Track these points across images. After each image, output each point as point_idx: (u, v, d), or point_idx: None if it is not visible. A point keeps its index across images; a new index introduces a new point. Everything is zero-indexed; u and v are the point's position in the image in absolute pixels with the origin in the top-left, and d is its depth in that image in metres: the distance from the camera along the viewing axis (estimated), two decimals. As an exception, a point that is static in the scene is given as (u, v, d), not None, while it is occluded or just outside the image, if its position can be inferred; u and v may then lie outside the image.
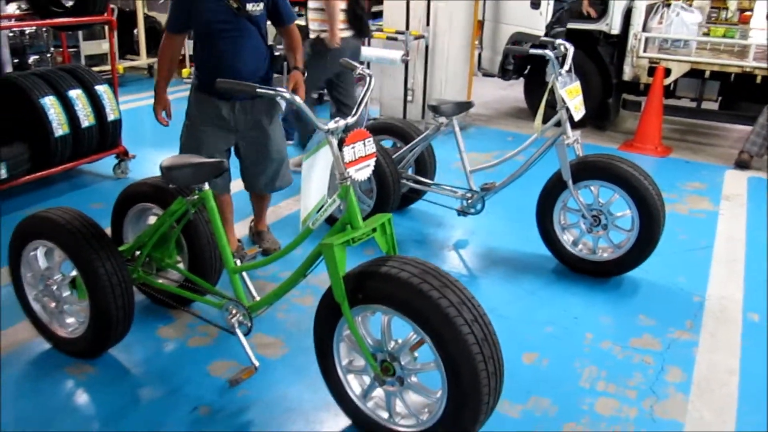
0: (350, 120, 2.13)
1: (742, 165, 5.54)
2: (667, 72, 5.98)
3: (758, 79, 5.75)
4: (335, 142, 2.08)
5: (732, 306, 3.30)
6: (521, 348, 2.84)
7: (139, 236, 2.70)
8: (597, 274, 3.51)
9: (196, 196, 2.49)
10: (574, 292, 3.38)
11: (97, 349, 2.59)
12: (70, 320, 2.65)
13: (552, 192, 3.53)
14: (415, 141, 3.94)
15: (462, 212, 3.88)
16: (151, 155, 5.07)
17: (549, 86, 3.45)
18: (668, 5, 6.30)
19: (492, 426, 2.19)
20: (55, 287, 2.60)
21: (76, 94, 4.19)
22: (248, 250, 2.62)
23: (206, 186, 2.45)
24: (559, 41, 3.59)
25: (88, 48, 7.21)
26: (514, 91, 7.91)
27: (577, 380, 2.67)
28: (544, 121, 3.51)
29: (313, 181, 2.17)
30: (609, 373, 2.72)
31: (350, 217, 2.11)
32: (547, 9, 5.82)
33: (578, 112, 3.43)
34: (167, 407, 2.42)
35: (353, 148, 2.04)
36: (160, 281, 2.76)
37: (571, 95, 3.40)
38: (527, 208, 3.74)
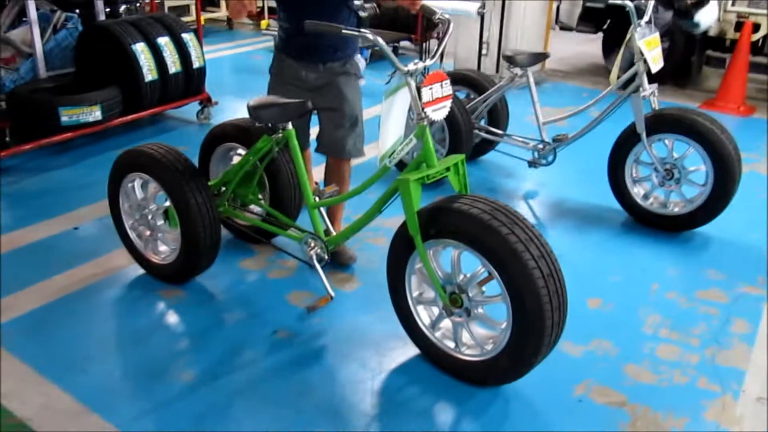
0: (429, 62, 2.22)
1: None
2: (756, 27, 5.72)
3: None
4: (413, 84, 2.18)
5: (806, 265, 3.25)
6: (586, 293, 2.90)
7: (226, 172, 2.89)
8: (667, 228, 3.50)
9: (280, 134, 2.64)
10: (642, 244, 3.40)
11: (186, 275, 2.82)
12: (162, 248, 2.88)
13: (625, 145, 3.52)
14: (489, 92, 3.98)
15: (533, 164, 3.92)
16: (232, 102, 5.30)
17: (627, 37, 3.42)
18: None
19: (553, 363, 2.29)
20: (150, 216, 2.82)
21: (164, 41, 4.41)
22: (326, 188, 2.76)
23: (290, 125, 2.60)
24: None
25: (171, -1, 7.49)
26: (593, 47, 7.72)
27: (640, 326, 2.73)
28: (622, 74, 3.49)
29: (391, 121, 2.27)
30: (673, 321, 2.76)
31: (425, 156, 2.22)
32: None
33: (656, 64, 3.39)
34: (249, 329, 2.63)
35: (431, 89, 2.13)
36: (245, 215, 2.96)
37: (650, 47, 3.35)
38: (598, 162, 3.74)
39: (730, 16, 5.83)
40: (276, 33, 3.07)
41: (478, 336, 2.26)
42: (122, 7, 5.00)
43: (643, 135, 3.37)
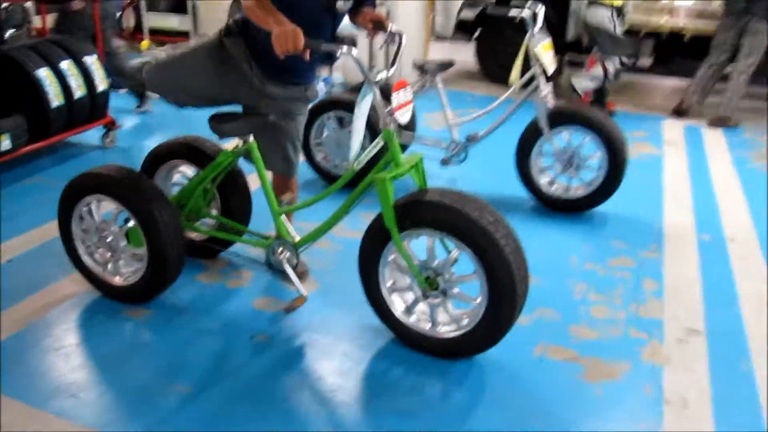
0: (390, 73, 2.46)
1: (680, 113, 6.11)
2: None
3: (686, 38, 6.36)
4: (378, 92, 2.42)
5: (686, 230, 3.85)
6: (520, 271, 3.27)
7: (182, 189, 2.95)
8: (572, 209, 3.97)
9: (240, 147, 2.76)
10: (553, 226, 3.84)
11: (152, 293, 2.84)
12: (124, 269, 2.88)
13: (529, 139, 3.95)
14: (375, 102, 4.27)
15: (446, 162, 4.26)
16: (135, 125, 5.22)
17: (524, 43, 3.86)
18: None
19: (510, 332, 2.59)
20: (110, 238, 2.82)
21: (67, 65, 4.29)
22: (284, 196, 2.91)
23: (251, 138, 2.73)
24: (530, 2, 3.99)
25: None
26: (462, 54, 8.31)
27: (571, 294, 3.13)
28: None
29: (358, 128, 2.50)
30: (596, 287, 3.19)
31: (393, 156, 2.46)
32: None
33: (550, 66, 3.85)
34: (227, 338, 2.72)
35: (398, 95, 2.37)
36: (203, 228, 3.03)
37: (545, 50, 3.81)
38: (503, 157, 4.16)
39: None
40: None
41: (454, 314, 2.53)
42: (8, 32, 4.77)
43: (546, 129, 3.82)
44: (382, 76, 2.42)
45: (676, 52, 6.72)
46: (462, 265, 2.49)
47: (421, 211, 2.39)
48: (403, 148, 4.54)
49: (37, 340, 2.66)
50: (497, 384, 2.49)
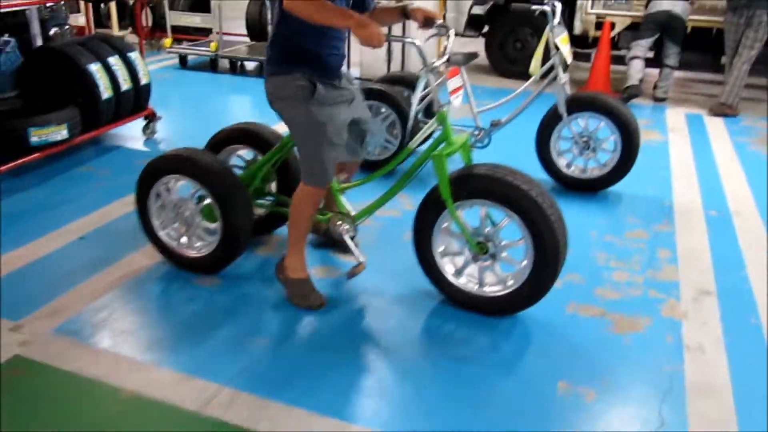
0: (444, 60, 2.77)
1: (720, 113, 6.27)
2: (612, 26, 6.85)
3: (689, 30, 6.71)
4: (433, 78, 2.74)
5: (694, 207, 4.19)
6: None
7: (248, 169, 3.27)
8: (587, 189, 4.31)
9: None
10: (572, 204, 4.16)
11: (223, 264, 3.14)
12: (197, 243, 3.19)
13: (549, 124, 4.28)
14: (430, 87, 4.59)
15: (470, 147, 4.58)
16: (170, 116, 5.51)
17: (544, 36, 4.19)
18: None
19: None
20: (187, 214, 3.14)
21: (114, 60, 4.59)
22: (339, 174, 3.21)
23: None
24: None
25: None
26: (472, 48, 8.63)
27: (595, 262, 3.46)
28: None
29: (414, 110, 2.82)
30: (616, 255, 3.52)
31: (446, 135, 2.78)
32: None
33: (569, 56, 4.18)
34: (293, 300, 3.04)
35: (452, 81, 2.70)
36: (266, 204, 3.34)
37: (564, 42, 4.14)
38: (523, 141, 4.50)
39: (591, 17, 6.92)
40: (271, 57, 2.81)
41: (501, 275, 2.86)
42: (52, 31, 5.05)
43: (565, 115, 4.15)
44: (437, 64, 2.74)
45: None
46: (506, 232, 2.81)
47: (476, 183, 2.71)
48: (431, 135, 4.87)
49: (124, 304, 2.97)
50: (539, 336, 2.82)
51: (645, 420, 2.35)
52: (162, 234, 3.20)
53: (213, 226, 3.08)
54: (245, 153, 3.53)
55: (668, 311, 3.03)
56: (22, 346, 2.64)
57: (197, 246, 3.18)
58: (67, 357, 2.58)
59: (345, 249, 3.18)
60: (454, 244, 2.93)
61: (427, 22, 2.97)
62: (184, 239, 3.19)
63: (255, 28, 8.21)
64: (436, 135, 2.93)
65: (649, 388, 2.51)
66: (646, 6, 6.41)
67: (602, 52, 6.75)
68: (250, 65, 7.91)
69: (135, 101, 4.83)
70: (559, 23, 4.18)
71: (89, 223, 3.73)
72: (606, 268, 3.40)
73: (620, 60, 7.41)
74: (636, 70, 6.44)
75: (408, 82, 4.81)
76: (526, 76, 4.39)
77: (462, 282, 2.93)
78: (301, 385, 2.46)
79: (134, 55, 4.78)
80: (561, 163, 4.35)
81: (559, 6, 4.24)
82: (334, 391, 2.44)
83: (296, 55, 2.72)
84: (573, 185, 4.33)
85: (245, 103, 6.72)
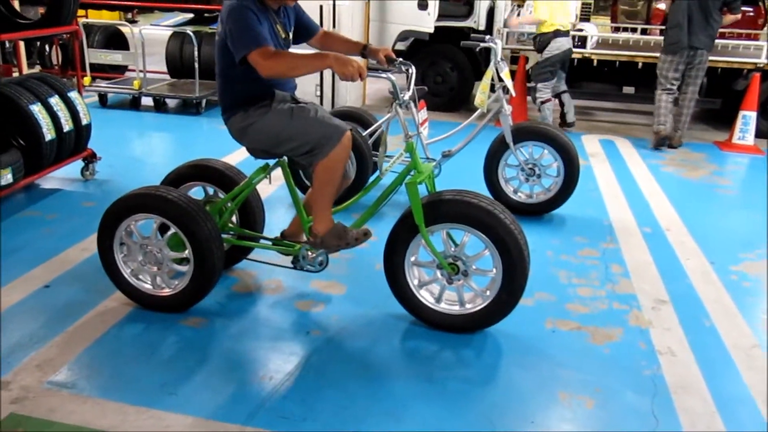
0: (409, 95, 2.94)
1: (661, 143, 6.60)
2: (526, 60, 7.33)
3: (594, 63, 7.30)
4: (402, 111, 2.91)
5: (630, 225, 4.57)
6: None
7: (219, 201, 3.28)
8: (534, 213, 4.60)
9: (273, 165, 3.14)
10: (523, 228, 4.41)
11: (194, 301, 3.12)
12: (171, 280, 3.14)
13: (496, 153, 4.55)
14: (380, 122, 4.76)
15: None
16: (105, 156, 5.34)
17: (489, 70, 4.46)
18: (521, 5, 7.67)
19: (521, 312, 3.09)
20: (155, 251, 3.08)
21: (55, 101, 4.43)
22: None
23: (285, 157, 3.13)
24: (488, 36, 4.61)
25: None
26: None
27: (558, 280, 3.70)
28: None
29: (384, 140, 2.98)
30: (576, 273, 3.79)
31: (415, 164, 2.97)
32: (435, 9, 6.89)
33: (513, 89, 4.48)
34: (289, 335, 3.05)
35: (422, 112, 2.86)
36: (229, 238, 3.35)
37: (508, 77, 4.43)
38: (470, 170, 4.74)
39: (506, 52, 7.37)
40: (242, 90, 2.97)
41: (479, 289, 3.03)
42: (-23, 71, 4.80)
43: (511, 144, 4.43)
44: (405, 97, 2.89)
45: (584, 76, 7.64)
46: (471, 248, 3.00)
47: (446, 208, 2.89)
48: (375, 166, 5.01)
49: (112, 351, 2.87)
50: (528, 352, 2.99)
51: (642, 421, 2.56)
52: (133, 280, 3.14)
53: (184, 254, 3.03)
54: (205, 188, 3.53)
55: (634, 321, 3.30)
56: (15, 403, 2.50)
57: (171, 283, 3.14)
58: (66, 411, 2.47)
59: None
60: (424, 274, 3.10)
61: (388, 60, 3.16)
62: (158, 279, 3.14)
63: (175, 65, 8.09)
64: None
65: (638, 391, 2.73)
66: (543, 48, 6.66)
67: (518, 84, 7.19)
68: (172, 102, 7.78)
69: (76, 142, 4.66)
70: (502, 59, 4.47)
71: (50, 270, 3.57)
72: (570, 285, 3.65)
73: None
74: (551, 111, 6.80)
75: (356, 118, 4.95)
76: (448, 107, 4.63)
77: (443, 306, 3.07)
78: (321, 416, 2.50)
79: (74, 95, 4.63)
80: (509, 189, 4.62)
81: (500, 43, 4.55)
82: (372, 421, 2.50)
83: (252, 94, 2.95)
84: (520, 210, 4.59)
85: (176, 141, 6.61)
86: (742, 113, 6.68)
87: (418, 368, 2.85)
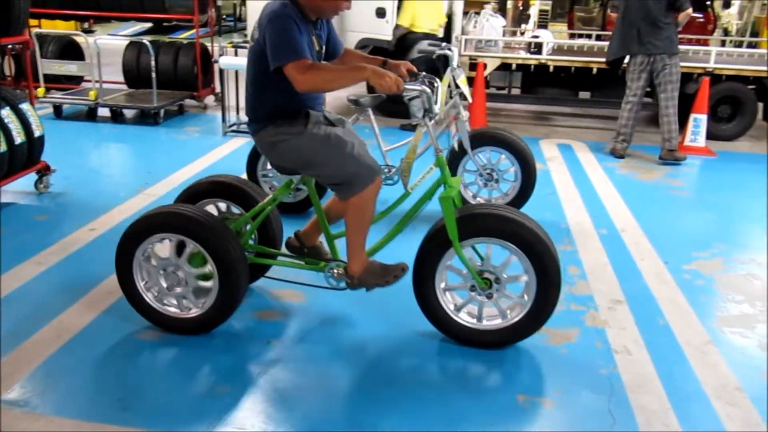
0: (438, 109, 2.89)
1: (617, 155, 6.57)
2: (484, 66, 7.42)
3: (551, 69, 7.44)
4: (431, 125, 2.90)
5: (587, 227, 4.66)
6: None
7: (241, 218, 3.17)
8: (494, 217, 4.64)
9: (298, 181, 3.09)
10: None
11: (218, 322, 3.02)
12: (197, 300, 3.03)
13: (454, 159, 4.60)
14: (409, 139, 4.75)
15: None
16: (60, 169, 5.24)
17: (446, 77, 4.50)
18: (478, 13, 7.78)
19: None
20: (179, 272, 2.97)
21: (6, 113, 4.33)
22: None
23: None
24: (444, 44, 4.66)
25: None
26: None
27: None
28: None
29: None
30: (534, 275, 3.84)
31: (446, 179, 2.95)
32: (393, 17, 6.95)
33: (470, 96, 4.53)
34: (247, 343, 3.03)
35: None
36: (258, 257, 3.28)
37: (464, 83, 4.48)
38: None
39: (464, 59, 7.45)
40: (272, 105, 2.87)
41: (504, 307, 3.01)
42: None
43: (469, 149, 4.48)
44: (437, 112, 2.87)
45: (541, 82, 7.78)
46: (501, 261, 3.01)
47: (481, 223, 2.87)
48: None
49: (68, 367, 2.81)
50: (488, 355, 3.02)
51: (599, 420, 2.60)
52: (159, 305, 3.05)
53: (207, 270, 2.94)
54: (221, 205, 3.43)
55: (591, 321, 3.36)
56: (-36, 424, 2.43)
57: (197, 303, 3.03)
58: (18, 429, 2.41)
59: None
60: (456, 280, 3.04)
61: (410, 74, 3.13)
62: (184, 301, 3.04)
63: (132, 75, 7.99)
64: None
65: (595, 390, 2.78)
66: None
67: (478, 90, 7.28)
68: (130, 113, 7.67)
69: (29, 154, 4.56)
70: (458, 66, 4.52)
71: (3, 285, 3.48)
72: (528, 287, 3.70)
73: (492, 97, 8.01)
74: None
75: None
76: (406, 114, 4.62)
77: (462, 317, 3.04)
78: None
79: (26, 107, 4.53)
80: (468, 194, 4.66)
81: (456, 50, 4.60)
82: None
83: (283, 107, 2.85)
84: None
85: (134, 152, 6.51)
86: (693, 116, 6.86)
87: (383, 374, 2.85)
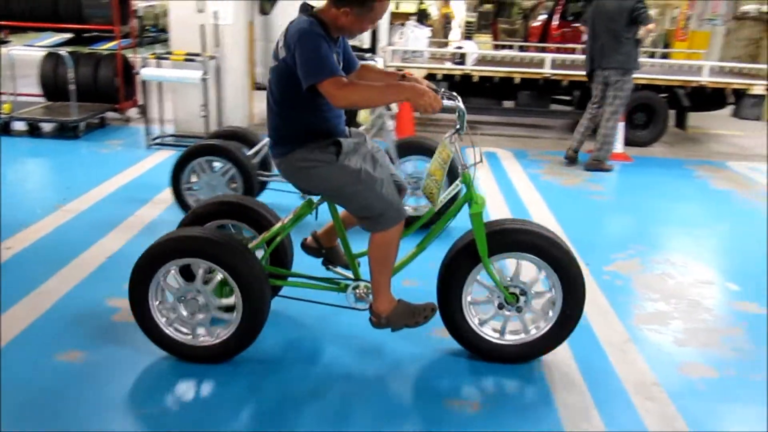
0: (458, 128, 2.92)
1: (571, 160, 6.82)
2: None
3: (475, 79, 7.61)
4: (458, 141, 2.91)
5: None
6: (404, 277, 3.88)
7: (260, 239, 3.03)
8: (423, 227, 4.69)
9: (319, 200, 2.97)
10: (413, 239, 4.53)
11: (241, 348, 2.92)
12: (216, 329, 2.94)
13: (382, 169, 4.63)
14: (261, 144, 4.73)
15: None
16: None
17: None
18: (403, 24, 7.89)
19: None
20: (199, 299, 2.87)
21: None
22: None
23: None
24: (368, 54, 4.71)
25: None
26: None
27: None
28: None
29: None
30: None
31: (472, 195, 2.94)
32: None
33: (395, 106, 4.59)
34: (358, 365, 2.96)
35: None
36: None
37: (390, 94, 4.54)
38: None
39: (391, 70, 7.53)
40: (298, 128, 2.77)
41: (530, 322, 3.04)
42: None
43: (396, 159, 4.53)
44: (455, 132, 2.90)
45: (466, 92, 7.94)
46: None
47: (512, 238, 2.88)
48: (261, 186, 4.95)
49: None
50: (411, 361, 3.05)
51: (525, 419, 2.67)
52: (175, 334, 2.93)
53: (230, 301, 2.85)
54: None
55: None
56: None
57: (214, 332, 2.93)
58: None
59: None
60: (482, 294, 3.06)
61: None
62: (201, 329, 2.94)
63: (50, 88, 7.69)
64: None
65: (521, 390, 2.86)
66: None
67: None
68: (48, 127, 7.37)
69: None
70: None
71: None
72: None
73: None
74: None
75: (240, 137, 4.89)
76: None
77: (486, 331, 3.05)
78: None
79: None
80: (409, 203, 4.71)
81: (381, 61, 4.66)
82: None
83: (312, 129, 2.77)
84: (407, 223, 4.68)
85: (53, 167, 6.25)
86: (612, 124, 7.15)
87: (491, 399, 2.84)
